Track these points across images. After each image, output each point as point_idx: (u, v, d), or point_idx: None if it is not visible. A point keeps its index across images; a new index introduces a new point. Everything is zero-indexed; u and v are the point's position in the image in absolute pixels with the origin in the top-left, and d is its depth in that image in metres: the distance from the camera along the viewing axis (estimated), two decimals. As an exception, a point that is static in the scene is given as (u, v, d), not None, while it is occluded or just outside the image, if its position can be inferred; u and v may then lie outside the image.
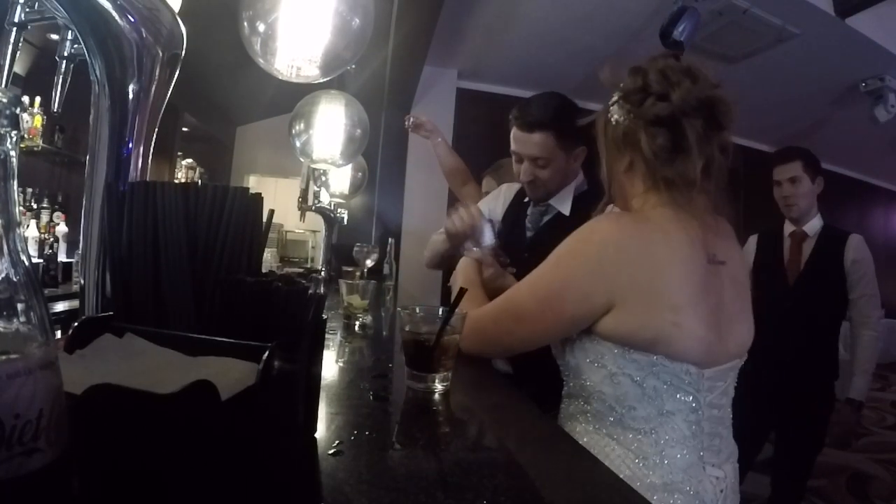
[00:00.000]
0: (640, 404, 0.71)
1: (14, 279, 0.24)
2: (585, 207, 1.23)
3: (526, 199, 1.32)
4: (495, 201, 1.42)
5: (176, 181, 1.95)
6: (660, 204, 0.76)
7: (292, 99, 1.87)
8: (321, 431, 0.53)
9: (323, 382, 0.56)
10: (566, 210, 1.24)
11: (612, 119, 0.80)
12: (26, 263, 0.25)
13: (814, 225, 1.88)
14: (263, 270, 0.49)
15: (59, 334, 0.39)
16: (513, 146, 1.22)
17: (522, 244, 1.28)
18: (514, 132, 1.21)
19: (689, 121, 0.73)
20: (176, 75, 0.67)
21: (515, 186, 1.40)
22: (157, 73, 0.63)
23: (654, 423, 0.71)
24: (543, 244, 1.25)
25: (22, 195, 2.58)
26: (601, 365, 0.74)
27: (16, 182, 0.25)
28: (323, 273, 2.42)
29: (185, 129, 4.13)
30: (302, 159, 1.88)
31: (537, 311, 0.77)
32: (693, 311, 0.70)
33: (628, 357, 0.71)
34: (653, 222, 0.74)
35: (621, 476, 0.62)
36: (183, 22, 0.66)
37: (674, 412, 0.71)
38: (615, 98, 0.80)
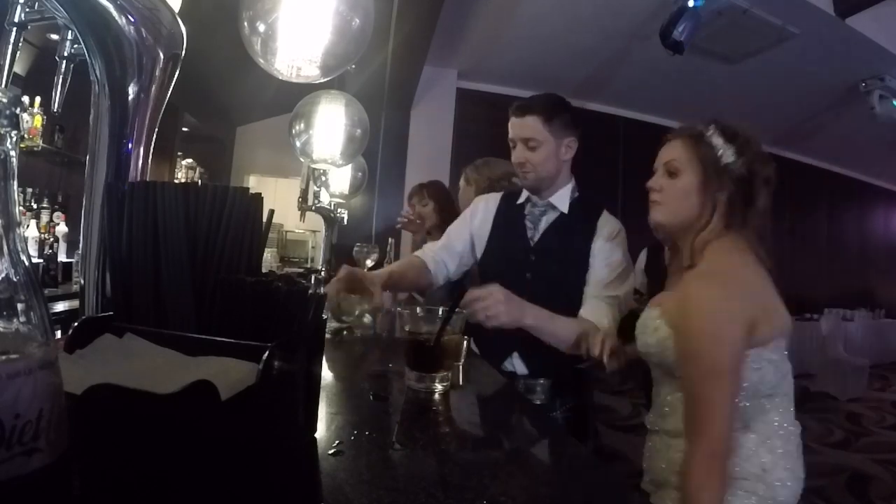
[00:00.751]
0: (778, 388, 0.85)
1: (14, 279, 0.24)
2: (584, 210, 1.27)
3: (519, 202, 1.35)
4: (472, 220, 1.45)
5: (176, 181, 1.95)
6: (726, 229, 0.91)
7: (292, 99, 1.87)
8: (321, 431, 0.53)
9: (323, 382, 0.56)
10: (564, 208, 1.28)
11: (721, 156, 0.90)
12: (26, 263, 0.25)
13: None
14: (263, 270, 0.49)
15: (59, 334, 0.39)
16: (509, 134, 1.31)
17: (524, 245, 1.30)
18: (511, 121, 1.30)
19: (768, 188, 0.91)
20: (176, 75, 0.66)
21: (495, 196, 1.46)
22: (157, 73, 0.63)
23: (781, 401, 0.86)
24: (551, 246, 1.28)
25: (22, 195, 2.58)
26: (760, 367, 0.83)
27: (16, 182, 0.25)
28: (323, 273, 2.42)
29: (185, 129, 4.13)
30: (302, 159, 1.88)
31: (732, 366, 0.80)
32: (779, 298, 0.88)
33: (778, 351, 0.84)
34: (743, 245, 0.90)
35: (762, 460, 0.82)
36: (183, 22, 0.66)
37: (787, 390, 0.88)
38: (728, 144, 0.91)
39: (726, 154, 0.90)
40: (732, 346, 0.80)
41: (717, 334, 0.81)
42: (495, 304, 1.03)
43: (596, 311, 1.18)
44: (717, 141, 0.91)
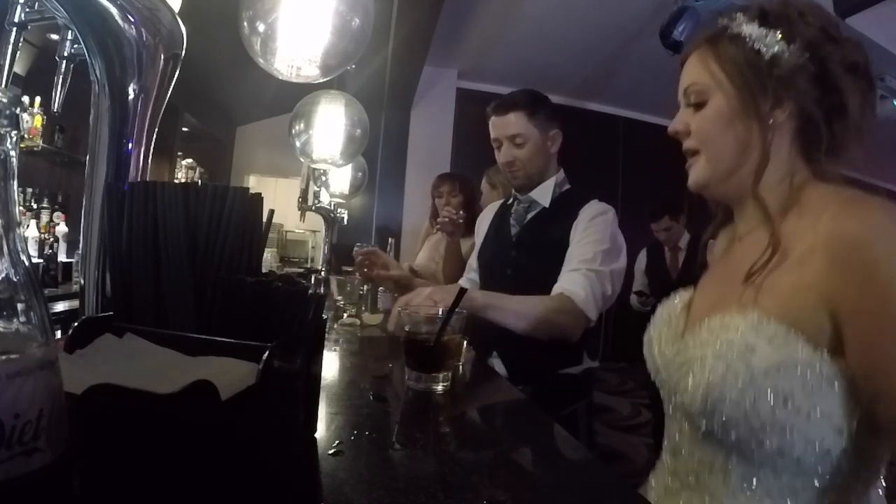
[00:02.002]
0: None
1: (14, 279, 0.24)
2: (569, 202, 1.25)
3: (509, 201, 1.35)
4: (477, 231, 1.49)
5: (176, 181, 1.95)
6: (814, 175, 0.59)
7: (292, 99, 1.87)
8: (321, 431, 0.53)
9: (323, 382, 0.56)
10: (546, 202, 1.27)
11: (760, 48, 0.58)
12: (26, 263, 0.25)
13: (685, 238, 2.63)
14: (263, 270, 0.49)
15: (59, 334, 0.39)
16: (492, 135, 1.29)
17: (508, 242, 1.30)
18: (492, 120, 1.28)
19: (860, 82, 0.59)
20: (176, 75, 0.66)
21: (496, 202, 1.48)
22: (157, 74, 0.63)
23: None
24: (530, 240, 1.27)
25: (22, 195, 2.58)
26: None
27: (16, 182, 0.25)
28: (323, 273, 2.42)
29: (185, 129, 4.13)
30: (302, 159, 1.87)
31: None
32: None
33: None
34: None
35: None
36: (183, 22, 0.66)
37: None
38: (766, 27, 0.59)
39: (768, 43, 0.58)
40: None
41: None
42: (429, 294, 0.97)
43: (570, 281, 1.09)
44: (749, 29, 0.59)
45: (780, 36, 0.58)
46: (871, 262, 0.49)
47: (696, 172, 0.65)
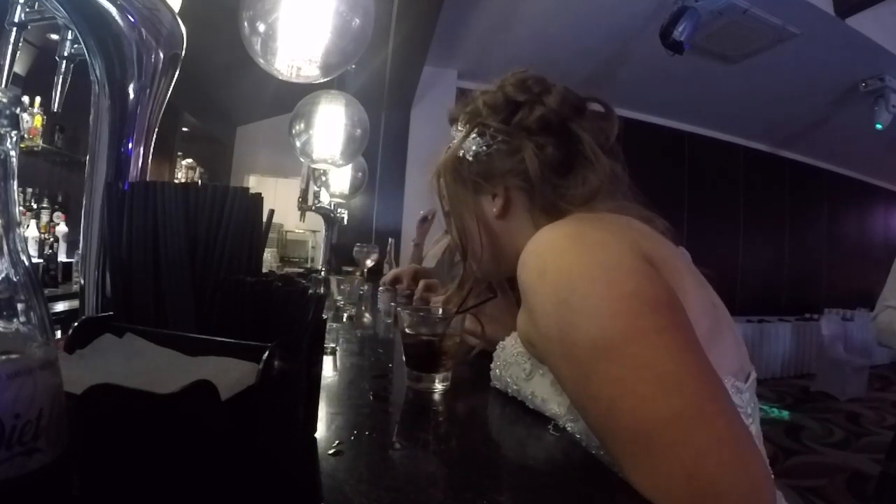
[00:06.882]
0: None
1: (14, 279, 0.24)
2: None
3: None
4: None
5: (176, 181, 1.95)
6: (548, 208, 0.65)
7: (292, 99, 1.87)
8: (321, 431, 0.53)
9: (323, 382, 0.56)
10: None
11: (468, 154, 0.66)
12: (26, 263, 0.25)
13: None
14: (263, 270, 0.49)
15: (59, 334, 0.39)
16: None
17: None
18: None
19: (576, 125, 0.63)
20: (176, 75, 0.66)
21: None
22: (157, 73, 0.63)
23: None
24: None
25: (22, 195, 2.58)
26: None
27: (16, 182, 0.25)
28: (323, 273, 2.43)
29: (185, 129, 4.13)
30: (302, 159, 1.88)
31: (673, 299, 0.47)
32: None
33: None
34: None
35: None
36: (183, 22, 0.66)
37: None
38: (469, 129, 0.67)
39: (465, 145, 0.66)
40: (645, 272, 0.46)
41: (605, 261, 0.47)
42: None
43: None
44: (467, 141, 0.67)
45: (472, 133, 0.64)
46: (525, 291, 0.53)
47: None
